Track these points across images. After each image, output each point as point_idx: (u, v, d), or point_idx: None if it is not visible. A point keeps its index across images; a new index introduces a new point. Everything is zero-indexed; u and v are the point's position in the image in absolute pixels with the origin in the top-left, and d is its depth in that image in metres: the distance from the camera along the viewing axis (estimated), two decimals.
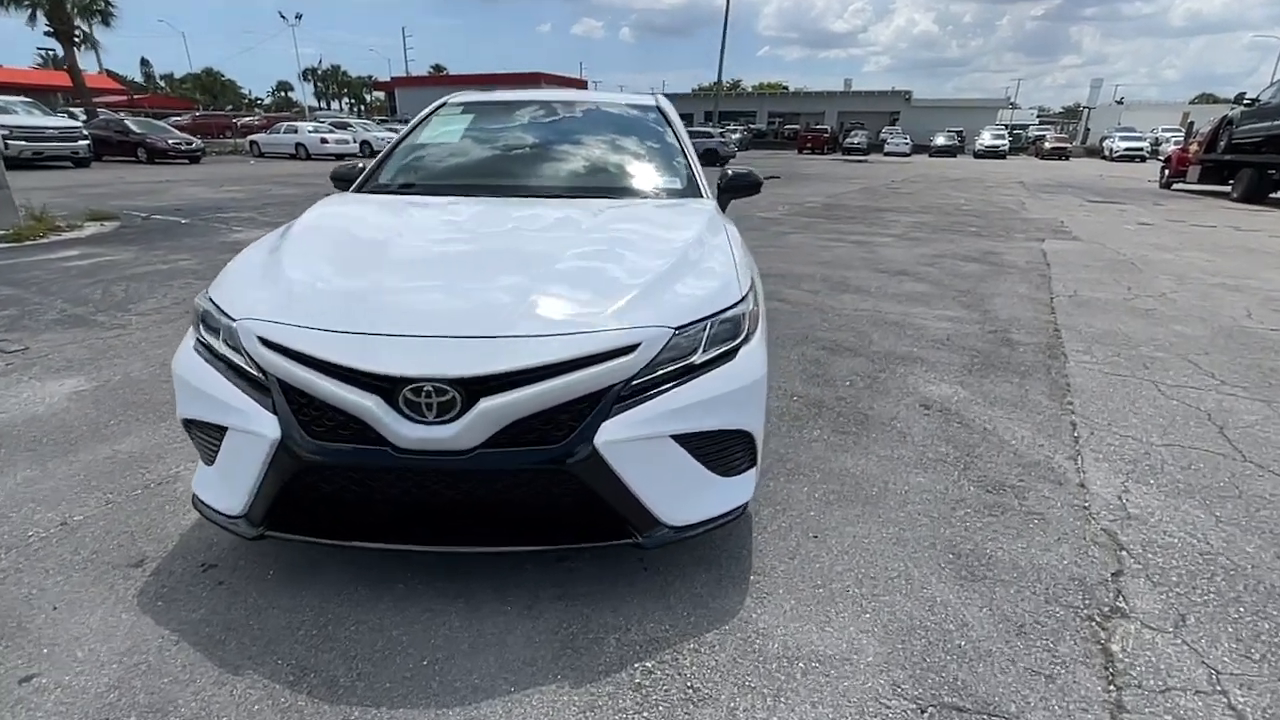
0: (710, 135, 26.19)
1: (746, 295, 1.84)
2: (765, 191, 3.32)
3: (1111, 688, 1.50)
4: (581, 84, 57.82)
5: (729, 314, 1.75)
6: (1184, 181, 15.57)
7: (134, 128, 20.09)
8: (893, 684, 1.51)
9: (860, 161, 30.76)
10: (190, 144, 20.31)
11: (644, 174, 2.85)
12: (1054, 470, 2.49)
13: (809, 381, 3.34)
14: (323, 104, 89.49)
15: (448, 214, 2.36)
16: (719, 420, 1.68)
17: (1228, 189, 13.73)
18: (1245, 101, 13.26)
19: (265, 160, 23.57)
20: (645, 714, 1.43)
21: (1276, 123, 11.69)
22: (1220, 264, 6.67)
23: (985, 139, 38.28)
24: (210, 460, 1.73)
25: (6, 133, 15.18)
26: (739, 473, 1.80)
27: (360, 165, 2.95)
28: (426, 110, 3.26)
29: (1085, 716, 1.43)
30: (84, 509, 2.15)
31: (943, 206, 11.98)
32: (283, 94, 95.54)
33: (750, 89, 79.62)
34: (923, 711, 1.43)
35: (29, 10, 26.50)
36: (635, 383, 1.58)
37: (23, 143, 15.39)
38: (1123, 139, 35.39)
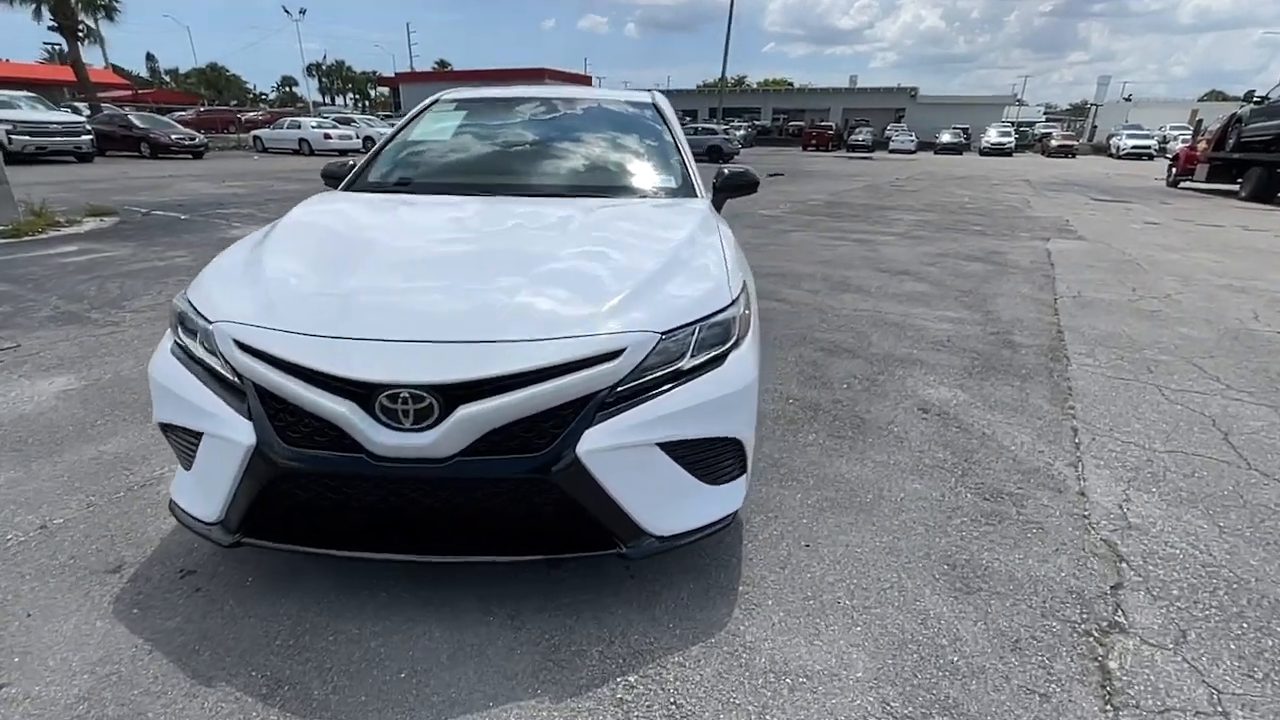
0: (714, 132, 26.08)
1: (737, 298, 1.79)
2: (768, 189, 3.28)
3: (1108, 708, 1.46)
4: (586, 80, 57.68)
5: (719, 318, 1.70)
6: (1192, 180, 15.41)
7: (137, 123, 20.10)
8: (882, 701, 1.47)
9: (865, 159, 30.58)
10: (193, 139, 20.31)
11: (637, 172, 2.80)
12: (1054, 477, 2.44)
13: (806, 384, 3.29)
14: (327, 99, 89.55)
15: (435, 214, 2.32)
16: (707, 427, 1.63)
17: (1236, 188, 13.58)
18: (1255, 99, 13.09)
19: (268, 156, 23.55)
20: None
21: None
22: (1227, 264, 6.59)
23: (991, 136, 38.01)
24: (188, 465, 1.70)
25: (10, 128, 15.20)
26: (728, 480, 1.76)
27: (351, 162, 2.91)
28: (419, 106, 3.22)
29: None
30: (65, 512, 2.12)
31: (947, 204, 11.88)
32: (287, 89, 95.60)
33: (755, 85, 79.29)
34: None
35: (34, 4, 26.53)
36: (620, 389, 1.53)
37: (26, 138, 15.40)
38: (1130, 137, 35.07)
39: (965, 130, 41.69)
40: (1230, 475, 2.48)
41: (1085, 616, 1.74)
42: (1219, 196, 13.69)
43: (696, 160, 2.91)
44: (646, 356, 1.56)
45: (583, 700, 1.46)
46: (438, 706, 1.44)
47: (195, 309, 1.70)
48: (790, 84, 73.64)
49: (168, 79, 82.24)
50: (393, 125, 3.11)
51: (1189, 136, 20.95)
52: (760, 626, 1.69)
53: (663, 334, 1.58)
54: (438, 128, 3.07)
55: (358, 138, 24.32)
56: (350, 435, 1.45)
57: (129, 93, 43.40)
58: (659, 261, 1.85)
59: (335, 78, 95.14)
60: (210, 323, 1.62)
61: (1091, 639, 1.66)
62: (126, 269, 5.48)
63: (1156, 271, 6.21)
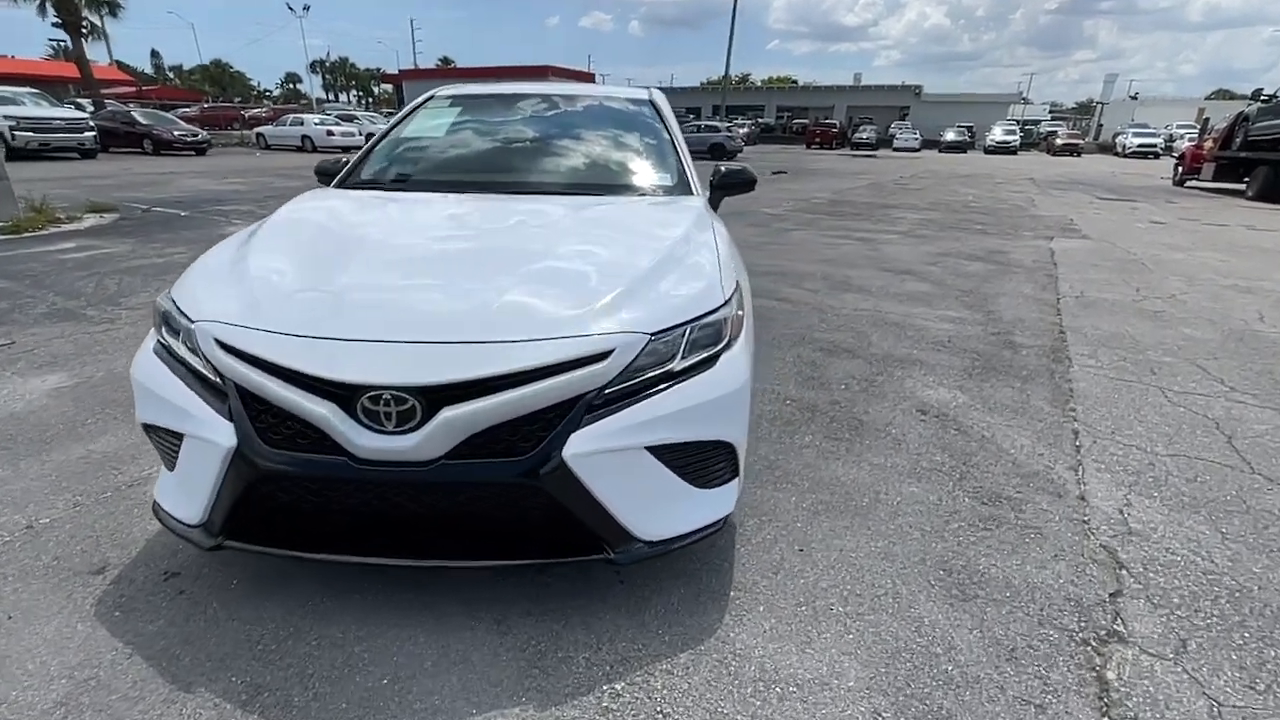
0: (717, 129, 25.98)
1: (730, 299, 1.75)
2: (771, 187, 3.26)
3: (1105, 719, 1.42)
4: (589, 77, 57.53)
5: (711, 318, 1.67)
6: (1198, 179, 15.29)
7: (140, 119, 20.14)
8: (873, 712, 1.44)
9: (868, 157, 30.45)
10: (196, 136, 20.35)
11: (632, 170, 2.76)
12: (1053, 481, 2.40)
13: (803, 384, 3.26)
14: (330, 96, 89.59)
15: (425, 212, 2.29)
16: (697, 431, 1.60)
17: (1243, 187, 13.47)
18: (1263, 98, 12.99)
19: (271, 152, 23.57)
20: None
21: None
22: (1233, 264, 6.52)
23: (996, 134, 37.83)
24: (171, 466, 1.68)
25: (14, 124, 15.24)
26: (719, 484, 1.73)
27: (345, 159, 2.88)
28: (414, 103, 3.18)
29: None
30: (51, 511, 2.10)
31: (950, 203, 11.81)
32: (291, 86, 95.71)
33: (759, 83, 79.05)
34: None
35: (38, 1, 26.56)
36: (608, 391, 1.50)
37: (29, 134, 15.43)
38: (1136, 135, 34.84)
39: (970, 128, 41.47)
40: (1233, 480, 2.44)
41: (1083, 625, 1.70)
42: (1225, 195, 13.58)
43: (699, 158, 2.88)
44: (636, 358, 1.52)
45: (567, 709, 1.43)
46: (419, 715, 1.41)
47: (178, 308, 1.67)
48: (794, 82, 73.39)
49: (172, 75, 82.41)
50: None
51: (1196, 135, 20.80)
52: (751, 633, 1.66)
53: (652, 335, 1.55)
54: (432, 125, 3.04)
55: (360, 135, 24.31)
56: (332, 438, 1.43)
57: (133, 89, 43.46)
58: (650, 261, 1.82)
59: (339, 75, 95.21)
60: (192, 322, 1.59)
61: (1089, 648, 1.62)
62: (124, 265, 5.47)
63: (1161, 271, 6.15)
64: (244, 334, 1.51)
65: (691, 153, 2.87)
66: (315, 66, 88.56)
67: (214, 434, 1.48)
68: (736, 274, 1.96)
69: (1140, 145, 33.58)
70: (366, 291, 1.66)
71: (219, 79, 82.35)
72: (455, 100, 3.18)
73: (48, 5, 26.23)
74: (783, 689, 1.49)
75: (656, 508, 1.61)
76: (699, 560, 1.91)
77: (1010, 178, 18.89)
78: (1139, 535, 2.09)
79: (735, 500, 1.76)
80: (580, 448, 1.44)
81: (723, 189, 2.88)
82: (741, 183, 2.90)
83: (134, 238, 6.77)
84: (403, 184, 2.63)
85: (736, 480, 1.77)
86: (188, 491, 1.60)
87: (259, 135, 26.05)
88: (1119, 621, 1.72)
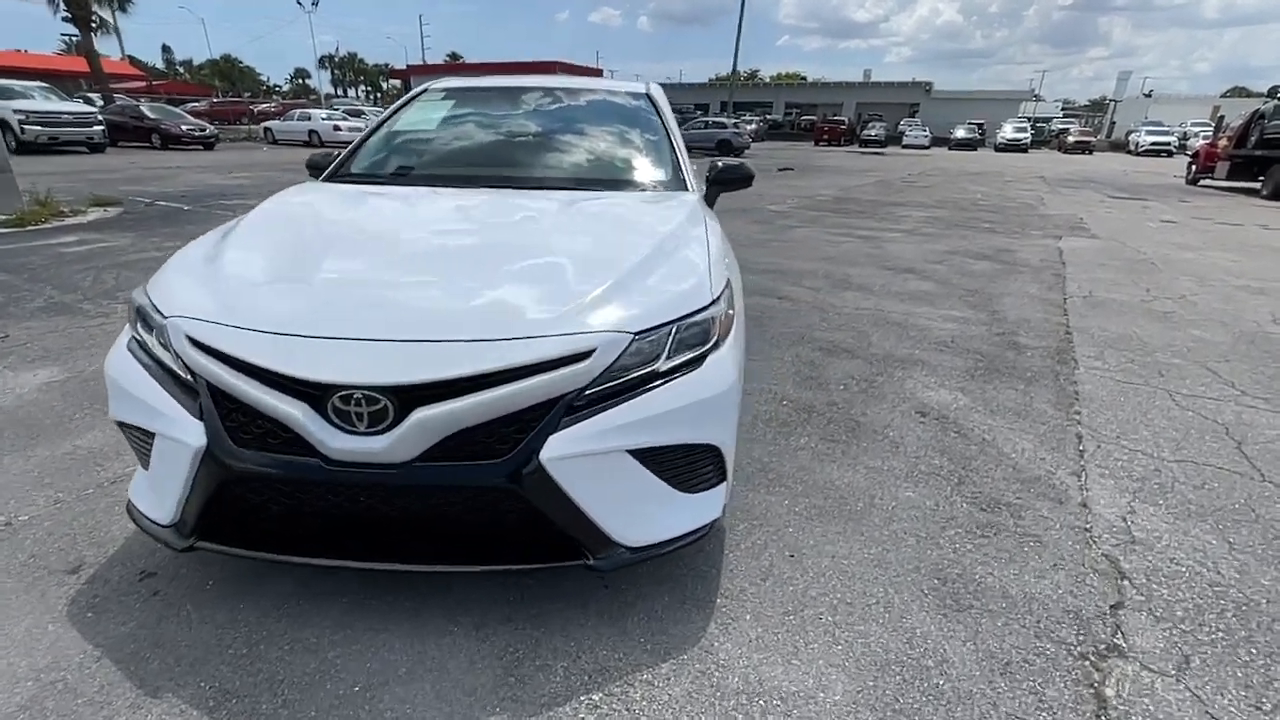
0: (724, 126, 25.83)
1: (719, 298, 1.70)
2: (776, 183, 3.20)
3: None
4: (597, 73, 57.37)
5: (698, 317, 1.62)
6: (1212, 178, 15.06)
7: (149, 113, 20.19)
8: None
9: (877, 154, 30.21)
10: (204, 130, 20.39)
11: (625, 165, 2.71)
12: (1055, 487, 2.33)
13: (801, 385, 3.20)
14: (339, 91, 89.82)
15: (410, 206, 2.25)
16: (682, 433, 1.55)
17: (1258, 186, 13.25)
18: (1279, 95, 12.75)
19: (278, 147, 23.61)
20: None
21: None
22: (1246, 265, 6.39)
23: (1007, 132, 37.43)
24: (146, 465, 1.64)
25: (23, 118, 15.30)
26: (706, 489, 1.67)
27: (336, 153, 2.84)
28: (408, 95, 3.14)
29: None
30: (31, 508, 2.07)
31: (958, 201, 11.68)
32: (300, 81, 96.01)
33: (768, 79, 78.64)
34: None
35: None
36: (589, 392, 1.45)
37: (39, 128, 15.49)
38: (1149, 133, 34.38)
39: (980, 126, 41.07)
40: (1242, 487, 2.37)
41: (1082, 638, 1.64)
42: (1240, 195, 13.36)
43: (706, 155, 2.82)
44: (618, 357, 1.47)
45: None
46: None
47: (152, 303, 1.63)
48: (803, 78, 72.84)
49: (182, 70, 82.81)
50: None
51: (1210, 133, 20.50)
52: (736, 643, 1.61)
53: (636, 334, 1.50)
54: (424, 118, 3.00)
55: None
56: (303, 438, 1.38)
57: (143, 84, 43.67)
58: (637, 258, 1.77)
59: (347, 70, 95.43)
60: (165, 318, 1.56)
61: (1088, 663, 1.56)
62: (124, 259, 5.46)
63: (1171, 271, 6.04)
64: (215, 330, 1.47)
65: (698, 150, 2.82)
66: (324, 62, 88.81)
67: (183, 433, 1.45)
68: (728, 272, 1.90)
69: (1153, 143, 33.12)
70: (342, 288, 1.61)
71: (228, 74, 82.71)
72: (449, 93, 3.13)
73: (59, 0, 26.38)
74: (766, 702, 1.44)
75: (639, 512, 1.56)
76: (685, 566, 1.86)
77: (1020, 176, 18.68)
78: (1142, 544, 2.02)
79: (723, 505, 1.71)
80: (558, 451, 1.40)
81: (719, 184, 2.82)
82: (739, 178, 2.84)
83: (135, 231, 6.77)
84: (391, 178, 2.59)
85: (724, 484, 1.71)
86: (159, 491, 1.56)
87: (266, 130, 26.11)
88: (1119, 635, 1.65)
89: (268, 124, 26.53)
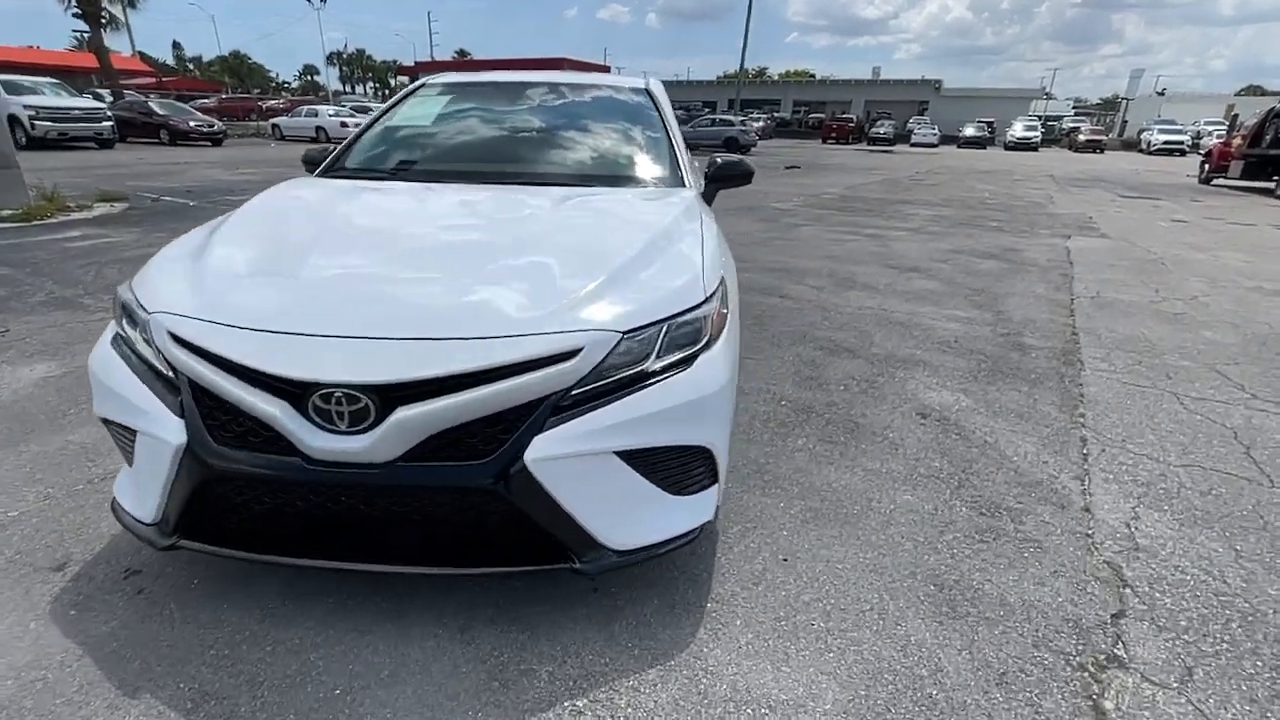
0: (731, 123, 25.71)
1: (711, 296, 1.66)
2: (783, 181, 3.17)
3: None
4: (605, 69, 57.28)
5: (689, 316, 1.58)
6: (1225, 177, 14.85)
7: (157, 110, 20.30)
8: None
9: (885, 152, 30.01)
10: (212, 126, 20.48)
11: (622, 161, 2.67)
12: (1057, 492, 2.29)
13: (801, 385, 3.16)
14: (347, 88, 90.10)
15: (400, 202, 2.22)
16: (672, 435, 1.52)
17: (1272, 185, 13.05)
18: None
19: (286, 143, 23.68)
20: None
21: None
22: (1259, 266, 6.29)
23: (1017, 130, 37.08)
24: (130, 463, 1.62)
25: (33, 113, 15.40)
26: (697, 491, 1.64)
27: (332, 148, 2.81)
28: (405, 90, 3.12)
29: None
30: (21, 504, 2.06)
31: (965, 200, 11.57)
32: (309, 78, 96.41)
33: (776, 77, 78.32)
34: None
35: None
36: (576, 392, 1.42)
37: (49, 123, 15.59)
38: (1161, 132, 33.98)
39: (990, 124, 40.72)
40: (1251, 494, 2.31)
41: (1081, 648, 1.60)
42: (1254, 195, 13.17)
43: (714, 152, 2.79)
44: (606, 357, 1.44)
45: None
46: None
47: (137, 298, 1.62)
48: (812, 76, 72.57)
49: (191, 67, 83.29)
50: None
51: (1224, 132, 20.22)
52: (725, 649, 1.57)
53: (624, 333, 1.47)
54: (420, 113, 2.97)
55: None
56: (284, 437, 1.36)
57: (153, 80, 43.91)
58: (629, 255, 1.73)
59: (356, 66, 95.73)
60: (148, 313, 1.54)
61: (1086, 674, 1.52)
62: (127, 254, 5.47)
63: (1182, 272, 5.94)
64: (197, 327, 1.45)
65: (705, 147, 2.78)
66: (332, 58, 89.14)
67: (164, 431, 1.43)
68: (723, 270, 1.86)
69: (1166, 142, 32.73)
70: (326, 285, 1.59)
71: (237, 70, 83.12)
72: (445, 89, 3.10)
73: None
74: (754, 710, 1.41)
75: (627, 515, 1.53)
76: (676, 569, 1.83)
77: (1029, 174, 18.50)
78: (1146, 552, 1.97)
79: (715, 507, 1.68)
80: (543, 452, 1.37)
81: (718, 181, 2.78)
82: (738, 175, 2.80)
83: (140, 227, 6.79)
84: (385, 173, 2.56)
85: (716, 486, 1.68)
86: (142, 489, 1.54)
87: (274, 126, 26.20)
88: (1120, 645, 1.61)
89: (275, 121, 26.63)
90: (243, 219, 1.98)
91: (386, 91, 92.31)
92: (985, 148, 37.86)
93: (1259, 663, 1.56)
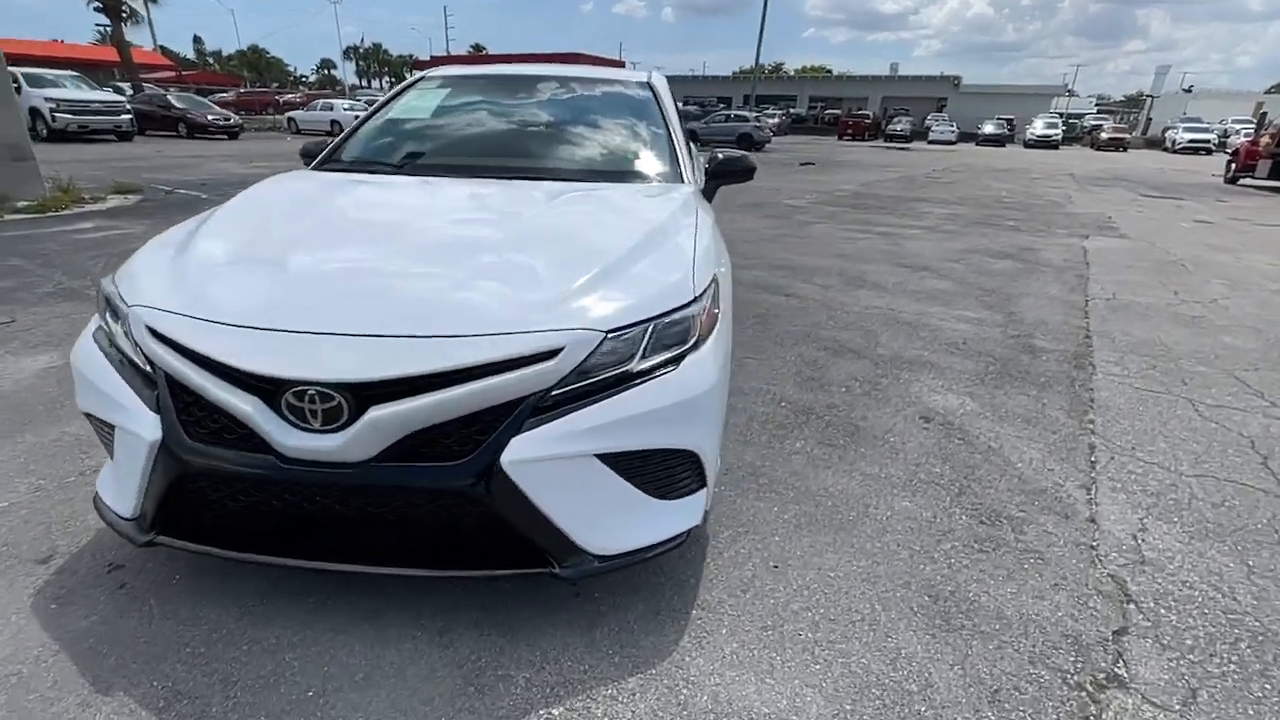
0: (745, 119, 25.48)
1: (701, 295, 1.61)
2: (796, 178, 3.10)
3: None
4: (620, 64, 57.08)
5: (677, 316, 1.54)
6: (1252, 176, 14.46)
7: (176, 103, 20.56)
8: None
9: (902, 149, 29.63)
10: (228, 120, 20.69)
11: (618, 155, 2.62)
12: (1062, 500, 2.21)
13: (802, 385, 3.10)
14: (364, 82, 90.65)
15: (392, 196, 2.19)
16: (656, 438, 1.48)
17: None
18: None
19: (302, 137, 23.86)
20: None
21: None
22: None
23: (1037, 128, 36.42)
24: (113, 457, 1.61)
25: (54, 105, 15.63)
26: (683, 495, 1.60)
27: (328, 141, 2.80)
28: (404, 83, 3.09)
29: None
30: (12, 495, 2.07)
31: (981, 198, 11.37)
32: (326, 72, 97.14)
33: (792, 72, 77.63)
34: None
35: None
36: (556, 393, 1.38)
37: (69, 116, 15.81)
38: (1187, 130, 33.22)
39: (1009, 121, 40.06)
40: (1267, 506, 2.22)
41: (1080, 666, 1.54)
42: None
43: (728, 148, 2.73)
44: (589, 357, 1.41)
45: None
46: None
47: (119, 292, 1.60)
48: (828, 71, 71.84)
49: (211, 61, 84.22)
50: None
51: (1251, 130, 19.72)
52: (708, 658, 1.53)
53: (608, 332, 1.43)
54: (418, 106, 2.94)
55: None
56: (259, 435, 1.34)
57: (173, 74, 44.48)
58: (618, 252, 1.69)
59: (372, 61, 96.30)
60: (129, 307, 1.52)
61: (1084, 693, 1.46)
62: (137, 246, 5.49)
63: (1203, 274, 5.78)
64: (174, 321, 1.43)
65: (719, 143, 2.73)
66: (349, 53, 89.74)
67: (139, 426, 1.41)
68: (716, 268, 1.81)
69: (1191, 140, 32.00)
70: (306, 280, 1.56)
71: (256, 64, 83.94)
72: (445, 81, 3.07)
73: None
74: None
75: (609, 519, 1.49)
76: (663, 573, 1.79)
77: (1049, 173, 18.17)
78: (1153, 565, 1.90)
79: (702, 512, 1.63)
80: (520, 454, 1.33)
81: (718, 178, 2.73)
82: (739, 171, 2.75)
83: (152, 219, 6.85)
84: (379, 167, 2.53)
85: (705, 490, 1.64)
86: (121, 484, 1.53)
87: (290, 120, 26.41)
88: (1121, 664, 1.55)
89: (291, 114, 26.85)
90: (229, 213, 1.96)
91: None
92: (1004, 145, 37.28)
93: (1267, 686, 1.49)
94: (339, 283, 1.56)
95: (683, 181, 2.45)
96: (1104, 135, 36.29)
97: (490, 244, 1.73)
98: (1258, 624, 1.69)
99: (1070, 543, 1.99)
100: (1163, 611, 1.72)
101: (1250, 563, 1.93)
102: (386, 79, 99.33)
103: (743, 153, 2.85)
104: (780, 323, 4.03)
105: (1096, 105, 66.53)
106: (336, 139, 2.72)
